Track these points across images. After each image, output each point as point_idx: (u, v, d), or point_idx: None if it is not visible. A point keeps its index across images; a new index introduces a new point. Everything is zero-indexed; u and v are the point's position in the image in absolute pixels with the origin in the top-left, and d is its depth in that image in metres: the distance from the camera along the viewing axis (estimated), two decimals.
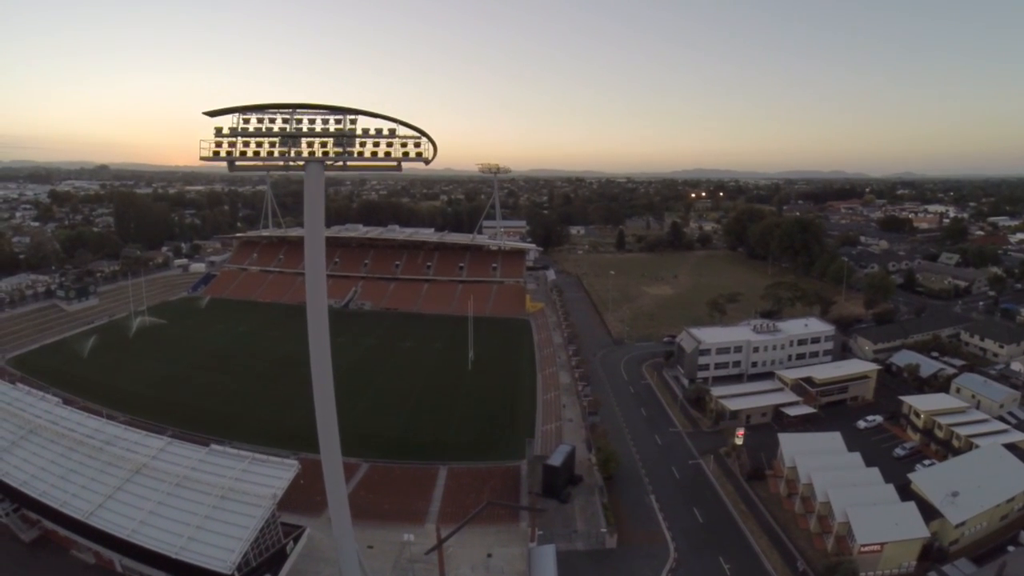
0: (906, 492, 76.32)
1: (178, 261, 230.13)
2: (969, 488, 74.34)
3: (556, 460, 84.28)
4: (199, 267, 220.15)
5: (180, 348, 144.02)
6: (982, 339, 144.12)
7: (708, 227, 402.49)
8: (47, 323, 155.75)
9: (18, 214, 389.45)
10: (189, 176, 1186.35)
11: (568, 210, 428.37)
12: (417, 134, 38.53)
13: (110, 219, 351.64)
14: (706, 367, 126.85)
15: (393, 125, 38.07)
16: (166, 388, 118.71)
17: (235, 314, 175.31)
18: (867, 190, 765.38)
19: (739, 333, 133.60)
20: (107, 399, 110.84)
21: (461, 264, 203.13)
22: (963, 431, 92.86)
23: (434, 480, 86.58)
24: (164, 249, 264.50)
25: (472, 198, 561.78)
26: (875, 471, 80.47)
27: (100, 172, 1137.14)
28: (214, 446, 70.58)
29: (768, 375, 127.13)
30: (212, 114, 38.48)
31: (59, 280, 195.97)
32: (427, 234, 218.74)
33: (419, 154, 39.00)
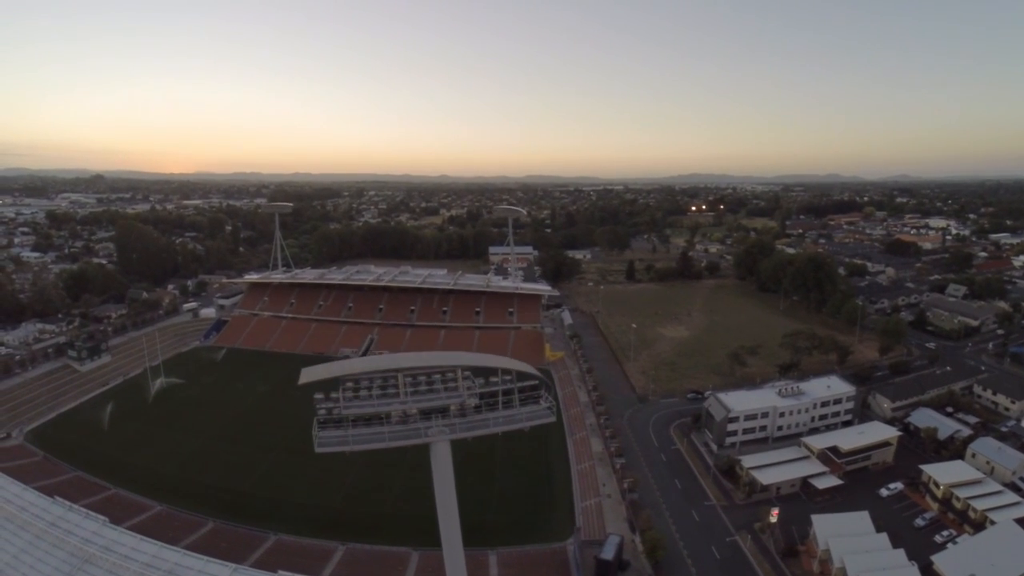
0: (929, 573, 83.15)
1: (187, 305, 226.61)
2: (984, 567, 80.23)
3: (608, 554, 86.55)
4: (209, 313, 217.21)
5: (202, 414, 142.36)
6: (994, 393, 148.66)
7: (714, 249, 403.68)
8: (61, 387, 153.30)
9: (16, 240, 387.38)
10: (185, 186, 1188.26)
11: (573, 232, 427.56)
12: (536, 381, 37.18)
13: (110, 245, 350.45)
14: (734, 433, 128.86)
15: (509, 377, 36.74)
16: (197, 467, 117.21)
17: (252, 369, 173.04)
18: (865, 199, 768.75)
19: (765, 398, 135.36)
20: (139, 483, 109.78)
21: (477, 309, 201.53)
22: (979, 504, 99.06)
23: (487, 569, 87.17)
24: (170, 287, 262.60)
25: (474, 215, 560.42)
26: (901, 553, 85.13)
27: (96, 182, 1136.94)
28: (282, 572, 69.18)
29: (793, 436, 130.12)
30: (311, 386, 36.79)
31: (66, 330, 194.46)
32: (441, 277, 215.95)
33: (539, 402, 37.44)
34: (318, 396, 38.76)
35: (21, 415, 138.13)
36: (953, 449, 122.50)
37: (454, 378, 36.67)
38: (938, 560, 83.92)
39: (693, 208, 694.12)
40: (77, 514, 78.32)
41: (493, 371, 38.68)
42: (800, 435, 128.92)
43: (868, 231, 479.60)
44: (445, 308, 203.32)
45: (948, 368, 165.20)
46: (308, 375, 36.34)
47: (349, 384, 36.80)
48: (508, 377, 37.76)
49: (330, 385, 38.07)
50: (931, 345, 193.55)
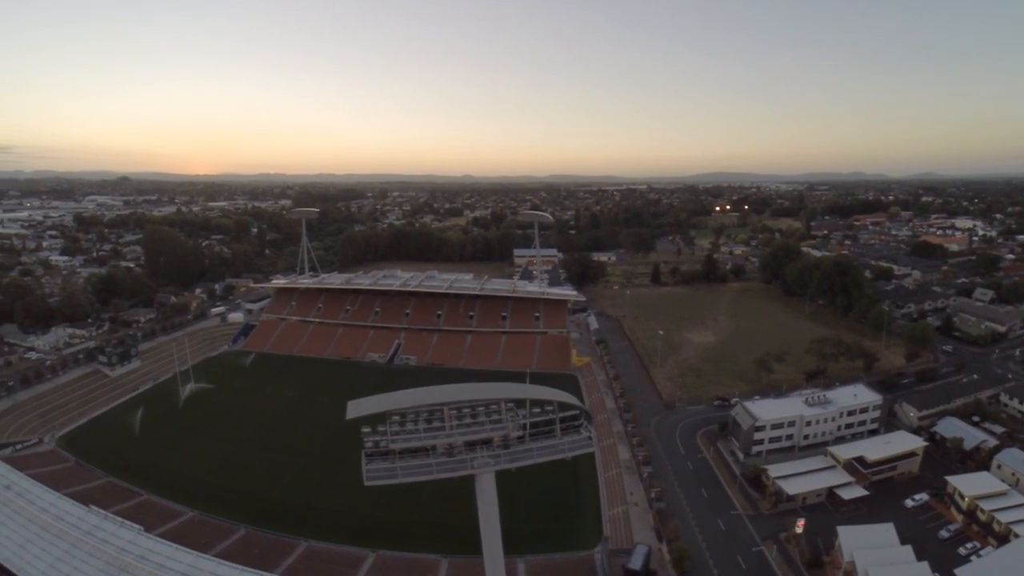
0: None
1: (215, 310, 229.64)
2: None
3: (636, 563, 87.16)
4: (237, 317, 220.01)
5: (232, 419, 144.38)
6: (1021, 403, 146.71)
7: (739, 251, 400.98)
8: (92, 392, 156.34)
9: (45, 243, 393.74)
10: (210, 187, 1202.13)
11: (597, 234, 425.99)
12: (576, 410, 37.50)
13: (138, 248, 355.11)
14: (760, 441, 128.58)
15: (551, 406, 37.01)
16: (228, 473, 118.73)
17: (280, 374, 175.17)
18: (890, 198, 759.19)
19: (792, 407, 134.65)
20: (171, 489, 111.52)
21: (504, 313, 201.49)
22: (1003, 517, 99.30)
23: None
24: (198, 291, 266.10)
25: (499, 216, 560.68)
26: (925, 566, 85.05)
27: (122, 184, 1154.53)
28: None
29: (820, 445, 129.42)
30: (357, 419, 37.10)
31: (96, 335, 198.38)
32: (467, 281, 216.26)
33: (580, 431, 37.66)
34: (365, 430, 39.08)
35: (53, 420, 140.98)
36: (979, 460, 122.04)
37: (498, 410, 36.93)
38: (961, 573, 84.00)
39: (717, 208, 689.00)
40: (113, 523, 79.81)
41: (535, 401, 38.81)
42: (826, 444, 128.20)
43: (894, 232, 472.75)
44: (471, 313, 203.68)
45: (975, 376, 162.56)
46: (355, 409, 36.72)
47: (396, 417, 37.14)
48: (550, 407, 37.99)
49: (377, 418, 38.41)
50: (948, 348, 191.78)
